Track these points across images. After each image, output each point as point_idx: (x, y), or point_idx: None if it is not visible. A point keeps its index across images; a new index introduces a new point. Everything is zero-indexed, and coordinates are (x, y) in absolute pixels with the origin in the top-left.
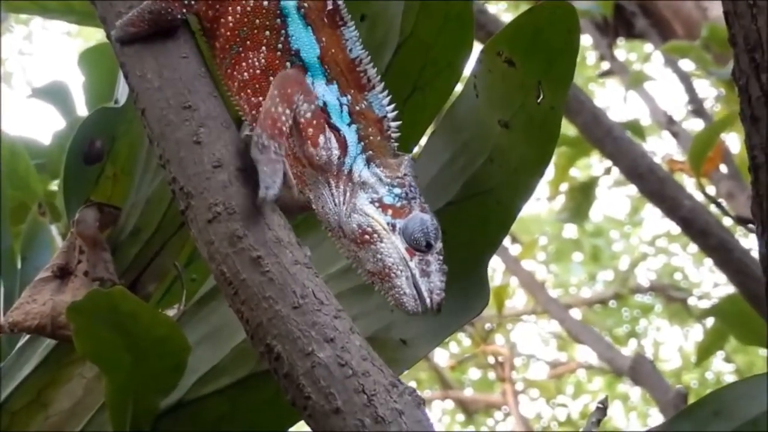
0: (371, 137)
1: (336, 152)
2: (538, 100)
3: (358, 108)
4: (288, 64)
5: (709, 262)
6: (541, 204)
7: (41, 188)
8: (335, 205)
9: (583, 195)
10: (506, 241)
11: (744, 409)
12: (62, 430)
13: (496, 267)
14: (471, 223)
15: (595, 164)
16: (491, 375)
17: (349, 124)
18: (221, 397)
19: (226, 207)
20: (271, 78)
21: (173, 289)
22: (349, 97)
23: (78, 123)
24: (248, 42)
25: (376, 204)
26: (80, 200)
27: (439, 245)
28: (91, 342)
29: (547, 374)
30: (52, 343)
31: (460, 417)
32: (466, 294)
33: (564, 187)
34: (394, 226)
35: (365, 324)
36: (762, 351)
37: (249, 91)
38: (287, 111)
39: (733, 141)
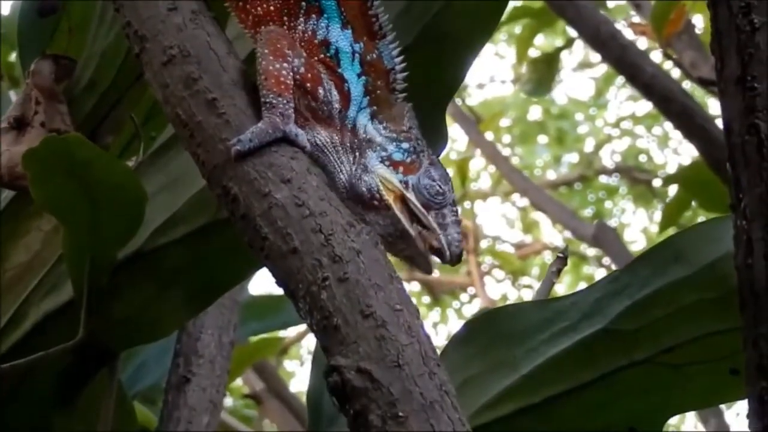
0: (378, 91)
1: (337, 105)
2: None
3: (369, 58)
4: (303, 3)
5: (674, 143)
6: (507, 86)
7: None
8: (341, 163)
9: (546, 66)
10: (472, 120)
11: (704, 253)
12: (20, 283)
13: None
14: (428, 68)
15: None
16: None
17: (359, 75)
18: (179, 247)
19: (181, 50)
20: (285, 18)
21: (132, 146)
22: (362, 44)
23: None
24: None
25: (387, 162)
26: (35, 53)
27: (451, 196)
28: (47, 190)
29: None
30: (8, 195)
31: (426, 299)
32: (425, 137)
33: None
34: (407, 183)
35: None
36: None
37: (264, 27)
38: (284, 65)
39: (698, 21)
